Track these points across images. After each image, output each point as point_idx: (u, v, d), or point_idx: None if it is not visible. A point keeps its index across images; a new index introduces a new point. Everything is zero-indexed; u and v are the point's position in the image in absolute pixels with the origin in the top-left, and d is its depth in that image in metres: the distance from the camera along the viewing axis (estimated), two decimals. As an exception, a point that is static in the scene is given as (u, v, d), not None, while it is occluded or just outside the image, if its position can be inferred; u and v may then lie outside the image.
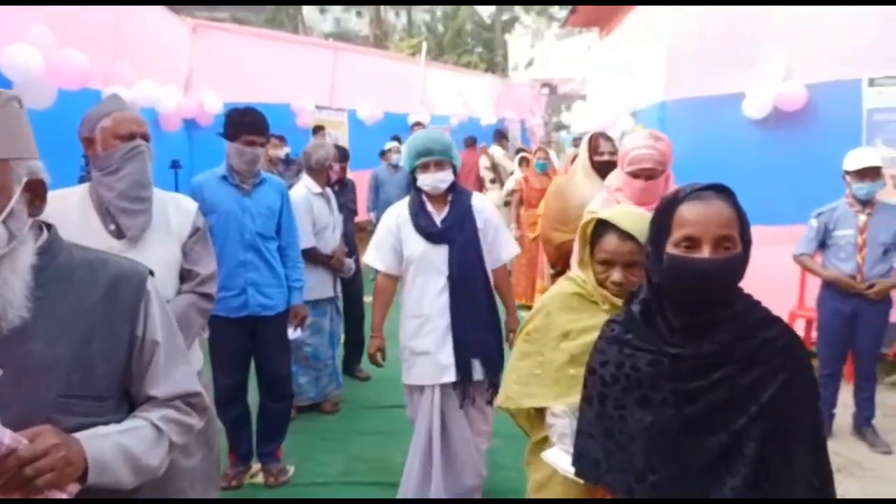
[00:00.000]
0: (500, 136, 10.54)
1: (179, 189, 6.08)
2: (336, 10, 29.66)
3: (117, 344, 1.27)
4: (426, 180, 2.96)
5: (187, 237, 2.20)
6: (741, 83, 5.42)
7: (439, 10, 23.48)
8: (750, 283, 1.46)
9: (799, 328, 5.22)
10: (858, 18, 4.90)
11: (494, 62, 21.76)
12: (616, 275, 1.83)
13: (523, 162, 8.16)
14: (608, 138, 3.67)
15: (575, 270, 2.10)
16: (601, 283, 1.85)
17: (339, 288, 4.44)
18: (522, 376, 1.89)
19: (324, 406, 4.41)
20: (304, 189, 4.16)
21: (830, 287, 3.94)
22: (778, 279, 4.74)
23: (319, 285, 4.18)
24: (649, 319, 1.44)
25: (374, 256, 3.05)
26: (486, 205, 3.15)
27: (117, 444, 1.20)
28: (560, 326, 1.86)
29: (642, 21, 6.88)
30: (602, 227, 1.89)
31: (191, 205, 2.28)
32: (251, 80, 8.67)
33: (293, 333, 3.35)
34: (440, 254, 2.94)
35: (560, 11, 21.37)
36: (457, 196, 3.04)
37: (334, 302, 4.41)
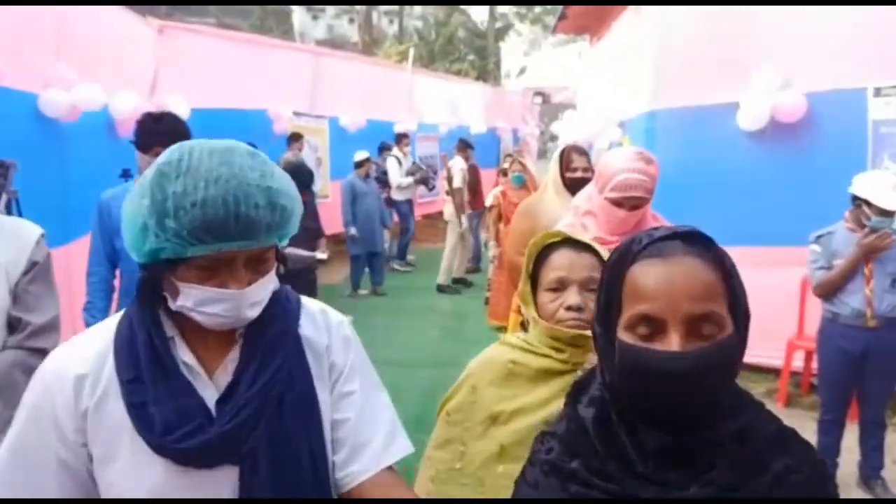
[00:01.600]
0: (464, 145, 10.03)
1: (130, 201, 5.64)
2: (328, 17, 29.37)
3: None
4: None
5: (20, 275, 1.73)
6: (735, 92, 5.01)
7: (431, 17, 23.12)
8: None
9: (797, 361, 4.80)
10: (863, 22, 4.49)
11: (486, 70, 21.39)
12: (572, 297, 1.40)
13: (500, 174, 7.72)
14: (582, 152, 3.25)
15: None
16: (551, 319, 1.41)
17: None
18: (441, 472, 1.43)
19: None
20: None
21: (835, 322, 3.46)
22: (773, 305, 4.32)
23: None
24: (608, 435, 0.94)
25: None
26: None
27: None
28: (487, 407, 1.40)
29: (629, 26, 6.48)
30: (550, 247, 1.47)
31: (30, 233, 1.79)
32: (224, 84, 8.24)
33: None
34: None
35: (553, 19, 21.04)
36: None
37: None
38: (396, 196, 9.95)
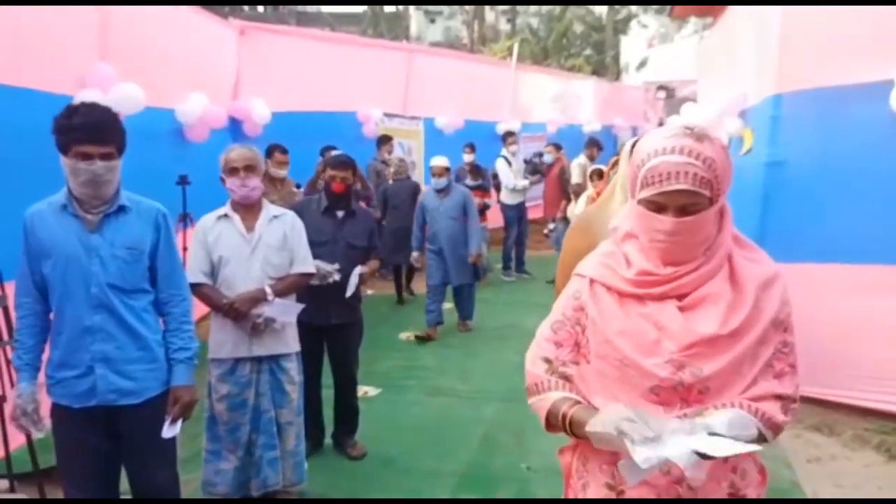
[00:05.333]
0: (592, 142, 9.12)
1: (188, 209, 5.37)
2: (444, 18, 29.17)
3: None
4: None
5: None
6: (887, 68, 3.93)
7: (546, 14, 22.18)
8: None
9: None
10: None
11: (603, 64, 20.18)
12: None
13: (594, 176, 6.80)
14: (661, 144, 2.43)
15: None
16: None
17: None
18: None
19: None
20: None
21: None
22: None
23: (234, 338, 3.05)
24: None
25: None
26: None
27: None
28: None
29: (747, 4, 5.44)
30: None
31: None
32: (310, 86, 7.93)
33: (168, 430, 2.31)
34: None
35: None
36: None
37: (295, 359, 3.23)
38: (506, 200, 9.20)
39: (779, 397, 1.44)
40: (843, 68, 4.16)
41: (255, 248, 3.06)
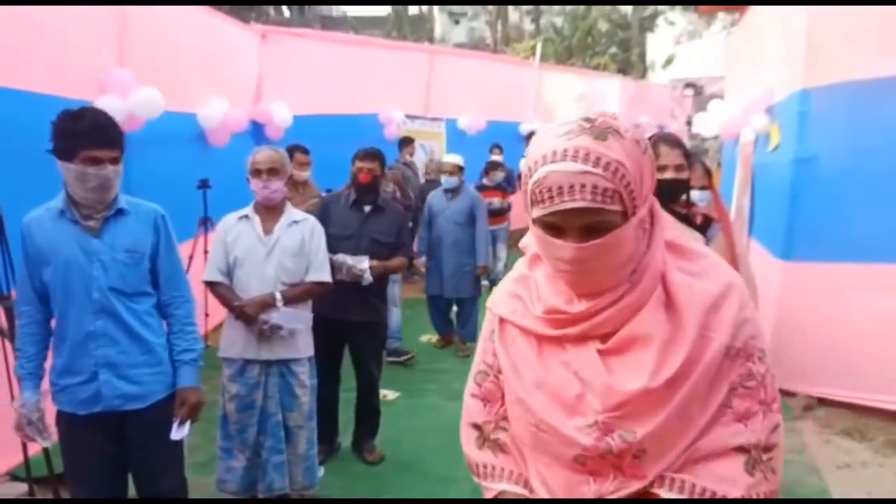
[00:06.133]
0: None
1: (208, 213, 5.39)
2: (469, 19, 29.12)
3: None
4: None
5: None
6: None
7: (569, 10, 21.99)
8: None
9: None
10: None
11: (629, 62, 19.94)
12: None
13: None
14: (675, 143, 2.38)
15: None
16: None
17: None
18: None
19: None
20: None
21: None
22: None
23: (243, 339, 3.03)
24: None
25: None
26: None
27: None
28: None
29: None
30: None
31: None
32: (331, 89, 7.95)
33: (177, 432, 2.30)
34: None
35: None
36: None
37: (308, 363, 3.18)
38: None
39: (741, 450, 1.09)
40: (872, 61, 4.02)
41: (272, 252, 3.03)
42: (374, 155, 3.84)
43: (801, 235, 4.48)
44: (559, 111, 12.89)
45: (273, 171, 3.04)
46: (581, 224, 1.05)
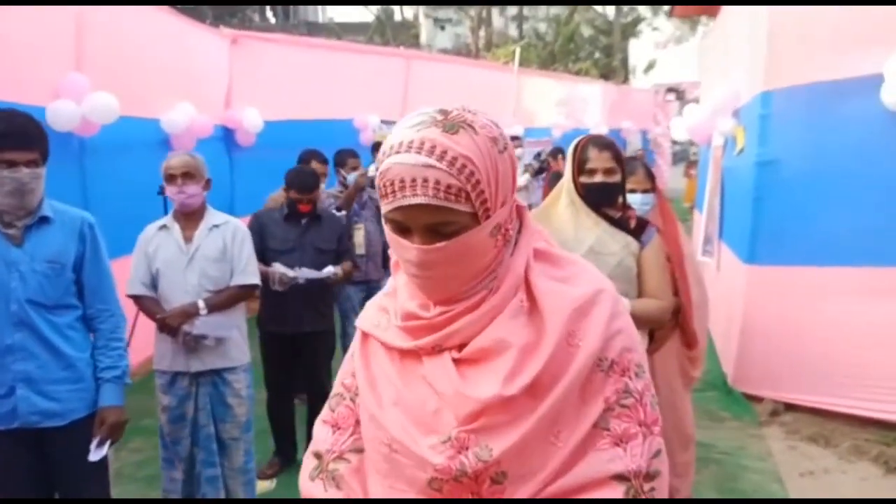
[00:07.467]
0: (556, 152, 8.95)
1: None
2: (454, 25, 29.15)
3: None
4: None
5: None
6: (878, 61, 3.76)
7: (553, 15, 22.03)
8: None
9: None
10: None
11: (611, 68, 20.00)
12: None
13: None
14: (606, 145, 2.28)
15: None
16: None
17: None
18: None
19: None
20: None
21: None
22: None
23: (172, 351, 2.93)
24: None
25: None
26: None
27: None
28: None
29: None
30: None
31: None
32: (304, 94, 7.87)
33: (94, 453, 2.19)
34: None
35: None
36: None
37: (246, 370, 3.09)
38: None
39: (620, 478, 0.97)
40: (833, 63, 3.99)
41: (192, 260, 2.92)
42: (312, 187, 3.67)
43: (764, 239, 4.44)
44: (540, 116, 12.88)
45: (188, 176, 2.90)
46: (425, 223, 0.96)
